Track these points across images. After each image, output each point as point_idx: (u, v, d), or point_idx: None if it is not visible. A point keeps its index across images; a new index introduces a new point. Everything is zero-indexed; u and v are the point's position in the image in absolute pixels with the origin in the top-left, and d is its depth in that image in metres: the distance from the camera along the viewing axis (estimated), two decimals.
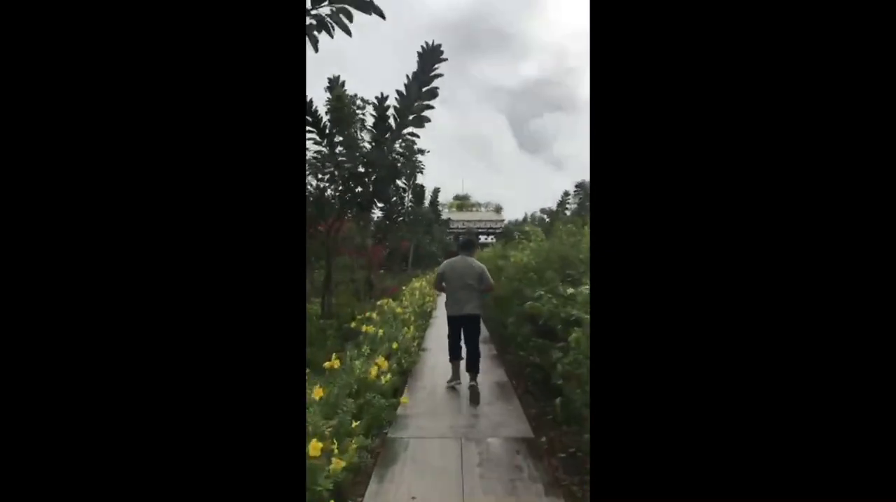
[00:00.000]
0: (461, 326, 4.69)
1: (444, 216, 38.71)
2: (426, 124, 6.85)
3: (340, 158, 6.75)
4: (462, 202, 56.88)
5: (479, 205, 58.09)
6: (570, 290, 2.53)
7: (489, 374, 5.26)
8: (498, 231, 52.87)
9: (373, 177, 7.12)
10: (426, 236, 24.23)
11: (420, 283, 15.79)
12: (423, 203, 23.25)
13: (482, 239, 50.16)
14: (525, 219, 55.27)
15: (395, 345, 5.49)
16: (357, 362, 4.38)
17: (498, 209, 56.17)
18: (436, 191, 26.50)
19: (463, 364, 4.77)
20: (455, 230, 45.97)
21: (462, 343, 4.73)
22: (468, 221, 51.92)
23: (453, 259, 4.79)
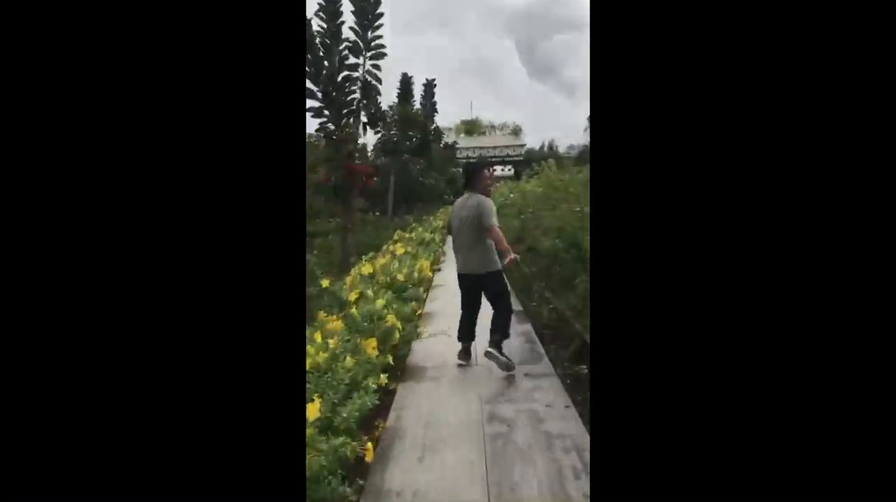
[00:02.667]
0: (468, 290, 3.46)
1: (448, 139, 28.66)
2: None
3: None
4: (471, 125, 46.60)
5: (492, 126, 47.68)
6: None
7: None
8: (518, 158, 42.78)
9: None
10: (418, 160, 15.03)
11: (388, 256, 6.85)
12: (410, 100, 14.02)
13: (497, 170, 40.69)
14: (542, 149, 45.40)
15: None
16: None
17: (516, 131, 45.80)
18: (430, 85, 16.94)
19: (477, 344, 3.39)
20: (464, 159, 36.27)
21: (475, 317, 3.51)
22: (480, 147, 41.74)
23: (460, 198, 3.49)
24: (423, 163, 15.71)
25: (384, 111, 12.58)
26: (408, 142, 15.00)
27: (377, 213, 17.12)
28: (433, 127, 16.83)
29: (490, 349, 3.29)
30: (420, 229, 12.02)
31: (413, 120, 12.64)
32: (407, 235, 11.21)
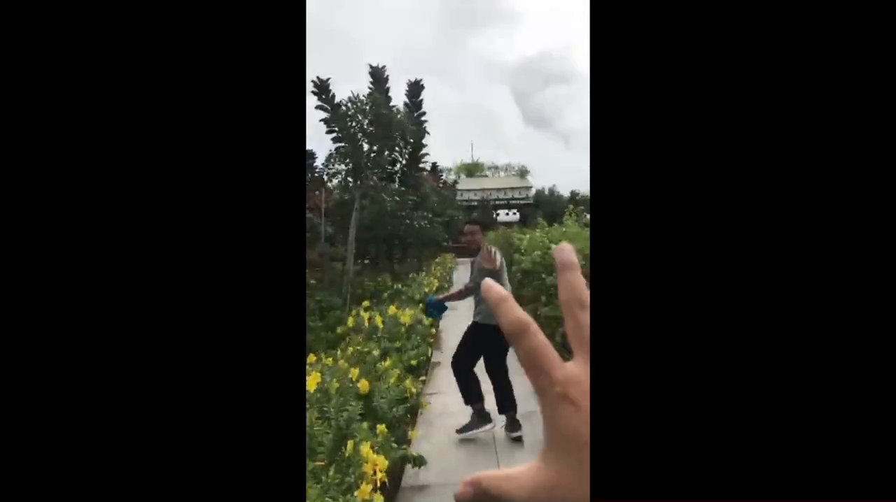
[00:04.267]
0: (499, 346, 3.19)
1: (444, 174, 23.74)
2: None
3: None
4: (472, 166, 42.00)
5: (495, 168, 42.82)
6: None
7: None
8: (525, 202, 37.93)
9: None
10: (398, 188, 9.98)
11: None
12: (387, 100, 9.11)
13: (502, 214, 35.87)
14: (542, 192, 41.03)
15: None
16: None
17: (522, 173, 41.12)
18: (417, 85, 11.93)
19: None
20: (466, 202, 31.29)
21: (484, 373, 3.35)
22: (483, 189, 36.86)
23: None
24: (410, 195, 10.62)
25: (339, 103, 7.57)
26: (387, 166, 9.94)
27: (366, 261, 11.76)
28: (425, 154, 11.80)
29: (517, 432, 3.14)
30: (394, 305, 6.73)
31: (390, 122, 7.61)
32: (369, 320, 5.88)
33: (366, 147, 8.27)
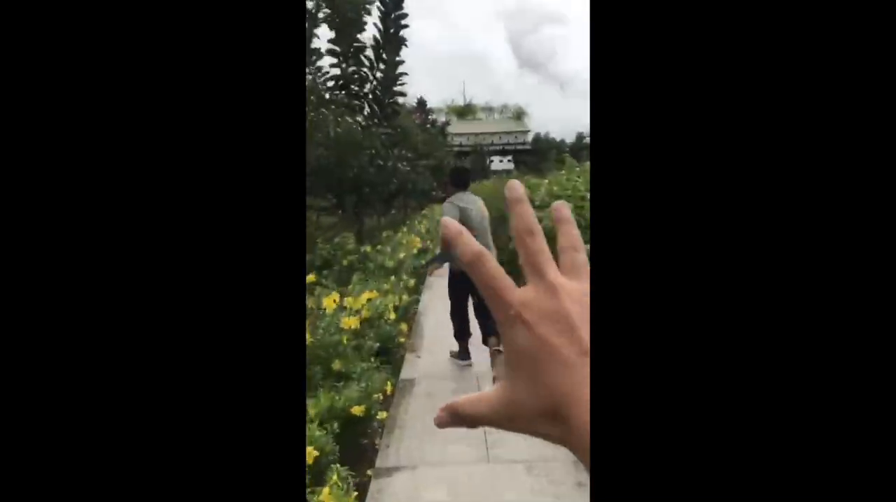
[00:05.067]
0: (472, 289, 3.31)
1: (433, 115, 20.88)
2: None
3: None
4: (464, 109, 38.54)
5: (489, 109, 39.36)
6: None
7: None
8: (523, 147, 35.04)
9: None
10: (358, 113, 7.36)
11: None
12: None
13: (496, 162, 33.00)
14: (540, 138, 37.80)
15: None
16: None
17: (518, 115, 37.83)
18: None
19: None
20: (458, 147, 28.32)
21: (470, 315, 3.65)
22: (476, 133, 33.76)
23: (464, 195, 3.47)
24: (384, 127, 7.98)
25: None
26: (351, 83, 7.33)
27: (343, 212, 9.09)
28: (402, 73, 9.01)
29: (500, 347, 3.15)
30: (347, 288, 4.30)
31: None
32: None
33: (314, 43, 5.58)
